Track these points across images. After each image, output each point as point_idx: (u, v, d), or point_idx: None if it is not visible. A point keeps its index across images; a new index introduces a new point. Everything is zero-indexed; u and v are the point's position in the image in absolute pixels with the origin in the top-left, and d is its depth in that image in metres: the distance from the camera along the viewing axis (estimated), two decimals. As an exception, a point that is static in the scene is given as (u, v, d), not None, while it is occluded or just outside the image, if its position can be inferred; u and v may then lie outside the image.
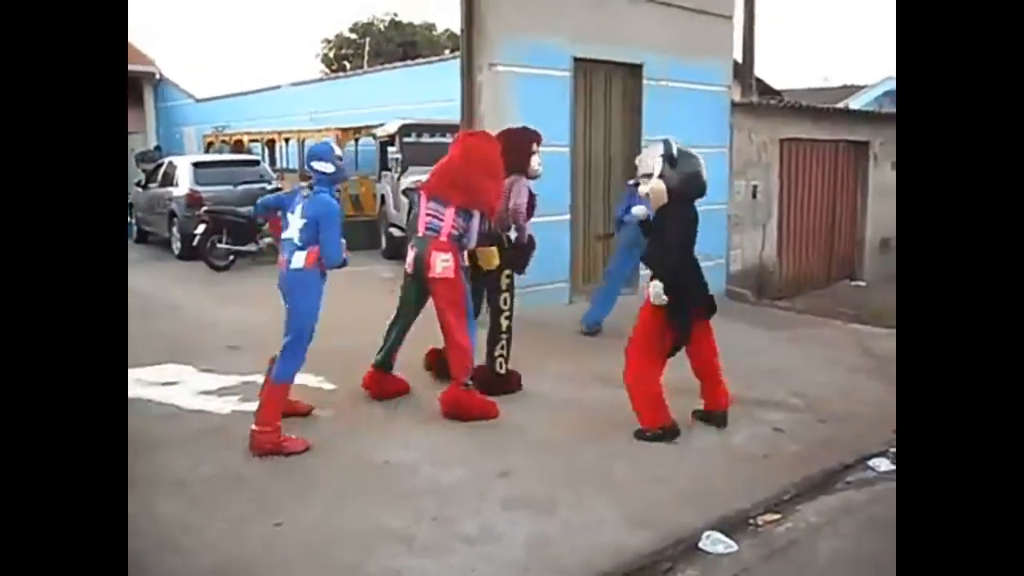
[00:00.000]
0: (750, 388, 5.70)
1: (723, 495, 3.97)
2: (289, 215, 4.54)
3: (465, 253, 5.36)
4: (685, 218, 4.64)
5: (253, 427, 4.39)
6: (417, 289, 5.18)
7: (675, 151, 4.59)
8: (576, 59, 7.82)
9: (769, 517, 3.84)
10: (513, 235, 5.46)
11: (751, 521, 3.80)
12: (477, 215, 5.09)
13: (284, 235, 4.55)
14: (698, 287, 4.71)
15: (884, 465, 4.50)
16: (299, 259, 4.42)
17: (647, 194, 4.75)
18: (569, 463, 4.33)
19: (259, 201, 5.14)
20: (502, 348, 5.50)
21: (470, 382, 5.07)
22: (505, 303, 5.49)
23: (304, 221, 4.43)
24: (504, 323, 5.50)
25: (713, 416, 4.90)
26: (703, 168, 4.67)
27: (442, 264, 4.96)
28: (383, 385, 5.36)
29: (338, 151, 4.76)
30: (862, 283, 11.63)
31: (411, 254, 5.17)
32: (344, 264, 4.51)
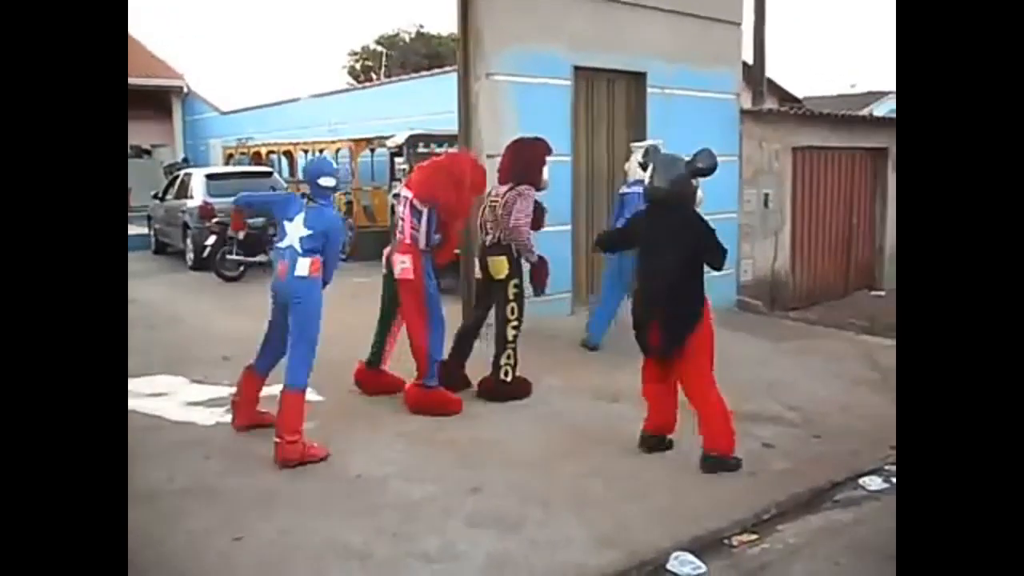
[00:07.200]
0: (745, 401, 5.54)
1: (699, 514, 3.83)
2: (287, 223, 4.54)
3: (476, 262, 5.41)
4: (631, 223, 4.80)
5: (276, 439, 4.33)
6: (392, 287, 5.35)
7: (647, 158, 4.50)
8: (577, 68, 7.71)
9: (745, 538, 3.70)
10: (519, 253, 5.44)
11: (725, 541, 3.66)
12: (426, 212, 5.19)
13: (281, 243, 4.57)
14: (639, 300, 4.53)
15: (876, 484, 4.34)
16: (303, 266, 4.43)
17: None
18: (544, 479, 4.22)
19: (243, 195, 5.18)
20: (508, 357, 5.46)
21: (432, 382, 5.21)
22: (512, 313, 5.43)
23: (310, 232, 4.48)
24: (511, 333, 5.44)
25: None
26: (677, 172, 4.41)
27: (400, 265, 5.20)
28: (372, 381, 5.57)
29: (335, 163, 4.80)
30: (881, 292, 11.34)
31: (385, 253, 5.42)
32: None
